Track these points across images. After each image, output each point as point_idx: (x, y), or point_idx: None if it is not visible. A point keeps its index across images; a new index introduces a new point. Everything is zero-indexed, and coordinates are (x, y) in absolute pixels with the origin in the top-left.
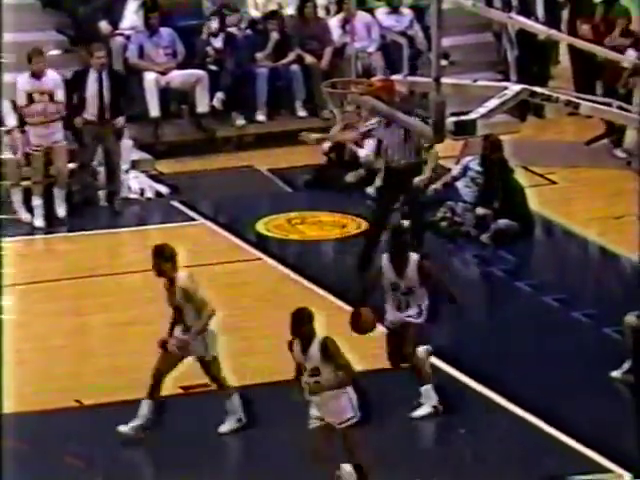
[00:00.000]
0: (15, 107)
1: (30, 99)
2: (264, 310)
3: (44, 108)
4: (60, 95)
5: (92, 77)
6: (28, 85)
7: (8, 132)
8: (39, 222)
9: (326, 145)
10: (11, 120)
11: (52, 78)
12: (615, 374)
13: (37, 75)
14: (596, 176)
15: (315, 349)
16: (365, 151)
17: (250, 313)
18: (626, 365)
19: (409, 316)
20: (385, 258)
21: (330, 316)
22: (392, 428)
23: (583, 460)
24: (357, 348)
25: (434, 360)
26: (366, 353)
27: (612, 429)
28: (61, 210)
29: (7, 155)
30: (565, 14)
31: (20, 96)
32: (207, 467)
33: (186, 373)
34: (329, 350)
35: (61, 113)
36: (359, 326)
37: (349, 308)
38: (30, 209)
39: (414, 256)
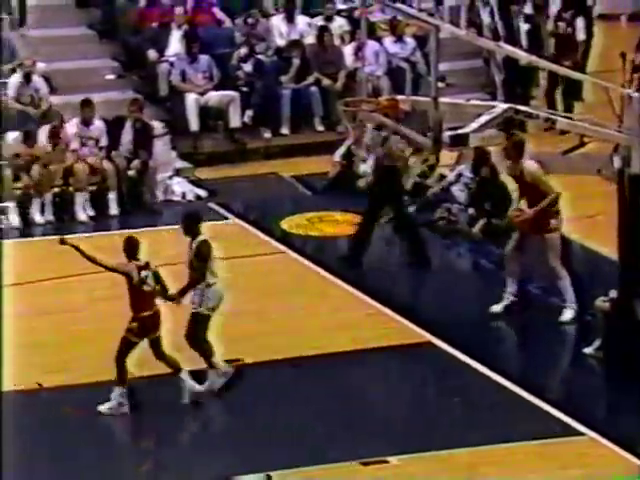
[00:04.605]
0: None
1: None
2: (287, 296)
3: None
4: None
5: None
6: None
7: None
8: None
9: (337, 158)
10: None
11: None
12: (587, 350)
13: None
14: (571, 181)
15: None
16: (365, 166)
17: (275, 298)
18: (597, 343)
19: None
20: None
21: (340, 298)
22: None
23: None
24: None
25: (433, 338)
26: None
27: (583, 396)
28: (114, 209)
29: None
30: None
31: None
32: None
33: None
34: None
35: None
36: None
37: (361, 294)
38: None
39: None
